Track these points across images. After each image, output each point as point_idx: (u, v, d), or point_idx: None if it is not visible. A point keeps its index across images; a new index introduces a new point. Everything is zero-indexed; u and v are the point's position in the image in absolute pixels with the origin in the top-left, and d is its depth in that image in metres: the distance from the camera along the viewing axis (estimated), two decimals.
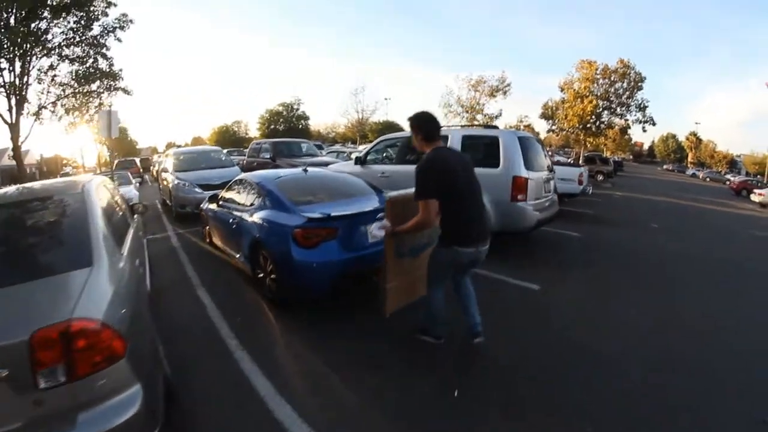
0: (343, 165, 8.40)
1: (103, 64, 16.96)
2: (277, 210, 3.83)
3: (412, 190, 2.67)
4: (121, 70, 17.90)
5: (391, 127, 44.62)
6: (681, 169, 57.07)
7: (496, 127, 6.09)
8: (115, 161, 22.22)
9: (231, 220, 4.55)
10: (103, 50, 16.72)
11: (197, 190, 8.05)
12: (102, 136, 8.16)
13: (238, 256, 4.45)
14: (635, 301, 4.10)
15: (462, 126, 6.37)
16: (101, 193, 2.97)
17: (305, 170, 4.88)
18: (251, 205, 4.30)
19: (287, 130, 47.77)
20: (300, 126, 50.65)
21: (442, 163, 2.60)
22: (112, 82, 17.61)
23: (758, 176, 38.65)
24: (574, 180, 9.99)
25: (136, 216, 4.33)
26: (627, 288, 4.53)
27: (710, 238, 8.40)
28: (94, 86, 17.28)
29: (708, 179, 41.52)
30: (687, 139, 71.34)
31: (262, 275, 3.93)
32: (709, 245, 7.46)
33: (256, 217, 3.96)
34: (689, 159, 69.49)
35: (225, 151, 23.80)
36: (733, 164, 63.22)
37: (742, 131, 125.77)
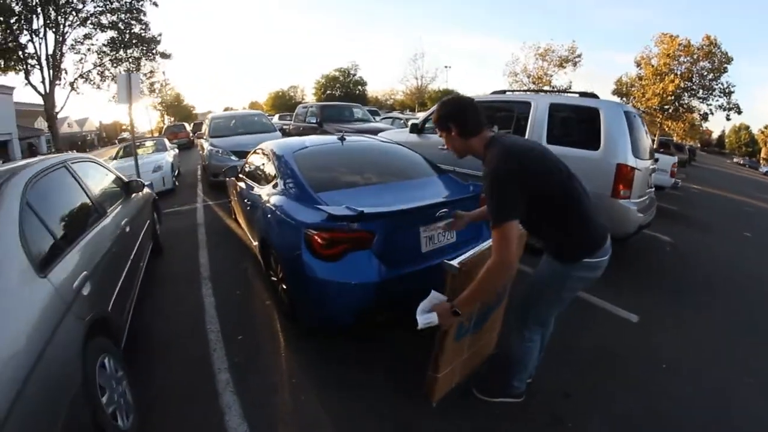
0: (395, 133, 6.99)
1: (138, 29, 16.50)
2: (289, 196, 2.71)
3: (485, 245, 1.86)
4: (160, 34, 17.58)
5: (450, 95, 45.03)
6: (753, 165, 51.18)
7: (594, 96, 4.46)
8: (164, 127, 22.26)
9: (246, 200, 3.58)
10: (140, 15, 16.15)
11: (233, 158, 7.22)
12: (120, 102, 7.14)
13: (255, 244, 3.47)
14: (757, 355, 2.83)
15: (547, 92, 4.89)
16: (46, 183, 2.09)
17: (342, 138, 3.58)
18: (265, 183, 3.28)
19: (344, 95, 46.53)
20: (357, 92, 48.86)
21: (524, 156, 1.62)
22: (150, 47, 17.22)
23: None
24: (667, 171, 8.21)
25: (134, 195, 3.50)
26: (743, 331, 3.19)
27: None
28: (131, 52, 16.94)
29: None
30: (762, 132, 64.19)
31: (275, 279, 2.95)
32: None
33: (267, 203, 2.93)
34: (762, 154, 62.74)
35: (277, 115, 23.21)
36: None
37: None
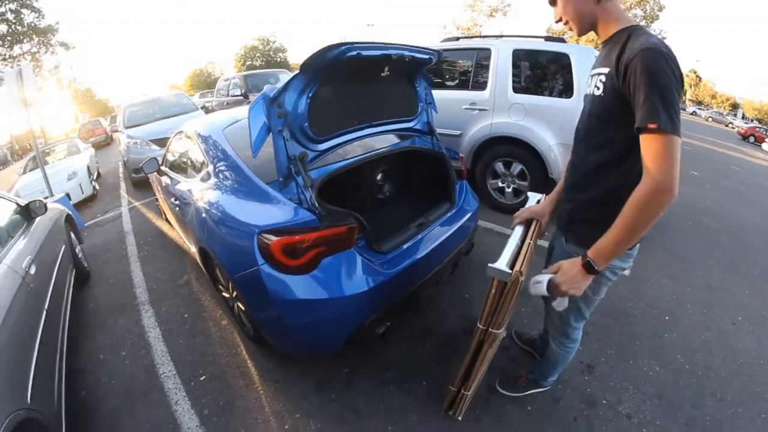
0: None
1: (32, 18, 14.18)
2: (227, 189, 2.04)
3: (516, 236, 1.48)
4: (57, 22, 15.41)
5: None
6: (681, 106, 54.83)
7: (561, 40, 4.00)
8: (79, 125, 19.99)
9: (173, 198, 2.85)
10: (31, 2, 13.88)
11: (153, 147, 6.33)
12: (12, 106, 5.36)
13: (194, 250, 2.79)
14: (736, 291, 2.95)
15: (509, 36, 4.37)
16: None
17: None
18: (193, 174, 2.60)
19: (265, 64, 45.14)
20: (278, 59, 47.38)
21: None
22: (48, 38, 14.99)
23: (755, 121, 37.63)
24: None
25: (38, 221, 2.75)
26: (721, 269, 3.33)
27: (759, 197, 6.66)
28: (26, 47, 14.66)
29: (710, 119, 39.68)
30: (687, 76, 68.87)
31: (226, 295, 2.40)
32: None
33: (198, 200, 2.25)
34: (688, 96, 67.32)
35: (198, 94, 21.50)
36: (734, 107, 61.20)
37: (740, 74, 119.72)
